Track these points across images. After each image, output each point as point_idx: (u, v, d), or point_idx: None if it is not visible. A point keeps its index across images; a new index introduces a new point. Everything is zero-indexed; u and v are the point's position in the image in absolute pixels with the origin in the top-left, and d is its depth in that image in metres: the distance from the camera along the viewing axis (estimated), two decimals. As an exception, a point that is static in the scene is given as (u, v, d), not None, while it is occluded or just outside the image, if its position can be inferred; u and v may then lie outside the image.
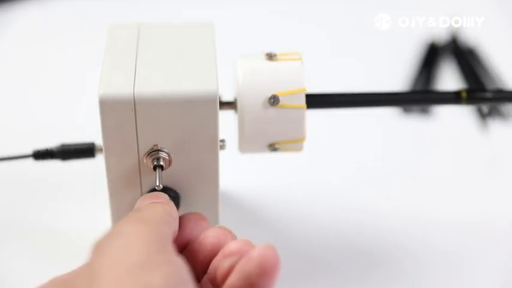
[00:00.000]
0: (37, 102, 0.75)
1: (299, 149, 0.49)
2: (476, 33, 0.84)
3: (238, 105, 0.47)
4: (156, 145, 0.45)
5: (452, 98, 0.51)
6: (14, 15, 0.89)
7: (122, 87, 0.44)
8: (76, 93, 0.76)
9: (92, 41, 0.81)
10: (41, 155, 0.51)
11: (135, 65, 0.46)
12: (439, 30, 0.85)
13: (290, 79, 0.47)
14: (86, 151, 0.50)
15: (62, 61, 0.82)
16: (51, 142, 0.53)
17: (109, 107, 0.43)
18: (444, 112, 0.73)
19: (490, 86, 0.77)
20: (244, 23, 0.88)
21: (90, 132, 0.54)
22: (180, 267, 0.36)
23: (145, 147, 0.45)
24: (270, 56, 0.48)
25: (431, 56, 0.83)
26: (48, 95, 0.76)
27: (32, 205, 0.60)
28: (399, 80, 0.78)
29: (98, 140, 0.50)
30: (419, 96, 0.57)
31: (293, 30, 0.88)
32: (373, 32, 0.84)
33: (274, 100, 0.46)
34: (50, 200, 0.61)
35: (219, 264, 0.39)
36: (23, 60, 0.82)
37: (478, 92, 0.52)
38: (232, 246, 0.39)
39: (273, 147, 0.48)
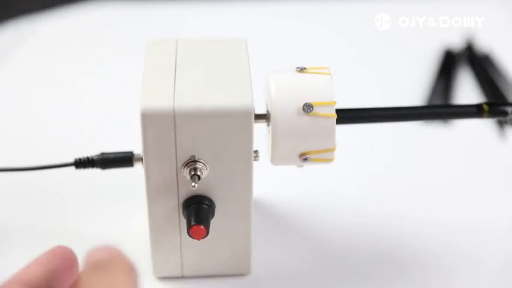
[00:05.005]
0: (59, 114, 0.76)
1: (330, 158, 0.50)
2: (477, 33, 0.86)
3: (272, 117, 0.49)
4: (194, 156, 0.47)
5: (474, 111, 0.53)
6: (34, 27, 0.91)
7: (162, 101, 0.46)
8: (100, 104, 0.77)
9: (116, 52, 0.83)
10: (82, 163, 0.52)
11: (174, 79, 0.48)
12: (451, 33, 0.86)
13: (321, 90, 0.49)
14: (124, 160, 0.51)
15: (89, 72, 0.83)
16: (75, 154, 0.53)
17: (150, 120, 0.46)
18: (462, 120, 0.74)
19: (508, 94, 0.78)
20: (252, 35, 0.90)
21: (118, 142, 0.56)
22: None
23: (183, 158, 0.47)
24: (301, 69, 0.51)
25: (448, 65, 0.84)
26: (72, 105, 0.77)
27: (57, 211, 0.62)
28: (412, 87, 0.80)
29: (131, 149, 0.53)
30: (441, 111, 0.59)
31: (309, 43, 0.90)
32: (376, 34, 0.86)
33: (307, 108, 0.48)
34: (84, 206, 0.62)
35: None
36: (45, 72, 0.83)
37: (500, 105, 0.53)
38: None
39: (304, 157, 0.50)
